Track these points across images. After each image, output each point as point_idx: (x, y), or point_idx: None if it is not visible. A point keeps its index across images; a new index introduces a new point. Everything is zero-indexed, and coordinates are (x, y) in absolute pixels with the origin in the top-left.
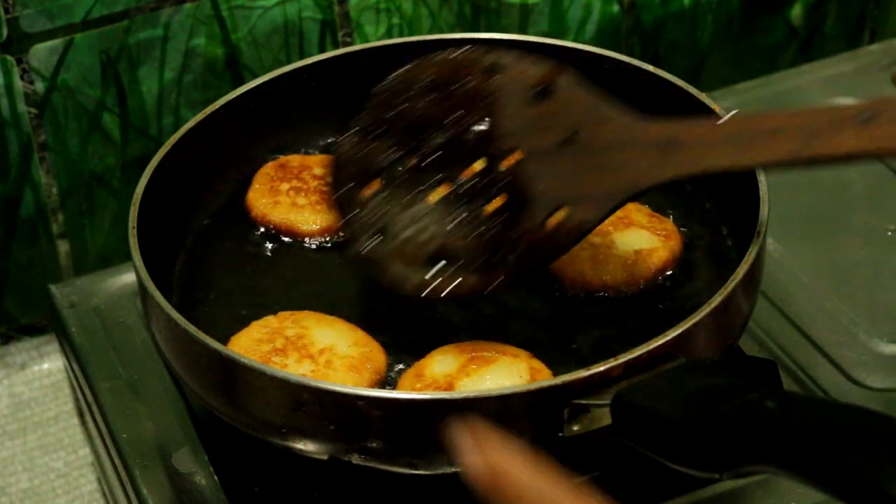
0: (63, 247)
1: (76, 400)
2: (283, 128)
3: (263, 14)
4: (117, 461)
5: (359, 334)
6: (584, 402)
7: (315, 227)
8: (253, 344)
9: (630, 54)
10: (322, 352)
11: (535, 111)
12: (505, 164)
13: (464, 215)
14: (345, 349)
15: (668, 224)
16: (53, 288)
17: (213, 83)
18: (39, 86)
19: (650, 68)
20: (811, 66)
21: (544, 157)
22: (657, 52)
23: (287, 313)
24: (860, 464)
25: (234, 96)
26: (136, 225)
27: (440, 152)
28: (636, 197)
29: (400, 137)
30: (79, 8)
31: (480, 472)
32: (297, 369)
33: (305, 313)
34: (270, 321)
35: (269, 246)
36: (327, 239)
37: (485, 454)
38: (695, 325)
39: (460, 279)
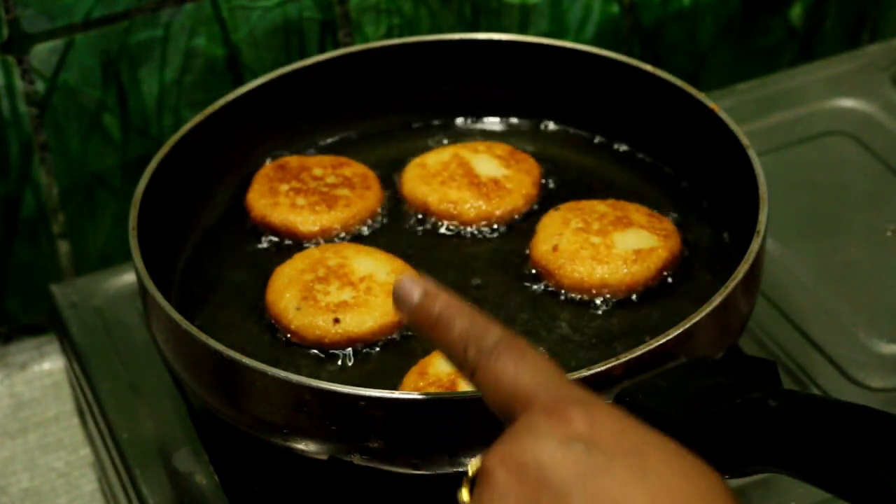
0: (63, 247)
1: (77, 400)
2: (283, 128)
3: (264, 14)
4: (118, 461)
5: (397, 263)
6: None
7: (314, 228)
8: (297, 273)
9: (630, 54)
10: (362, 279)
11: None
12: None
13: None
14: (384, 276)
15: (668, 224)
16: (54, 288)
17: (214, 83)
18: (40, 86)
19: (650, 68)
20: (811, 66)
21: None
22: (657, 52)
23: (328, 245)
24: (864, 462)
25: (234, 96)
26: (136, 225)
27: None
28: None
29: None
30: (79, 8)
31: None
32: (338, 296)
33: (345, 245)
34: (313, 252)
35: (269, 246)
36: (326, 239)
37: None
38: (695, 325)
39: None
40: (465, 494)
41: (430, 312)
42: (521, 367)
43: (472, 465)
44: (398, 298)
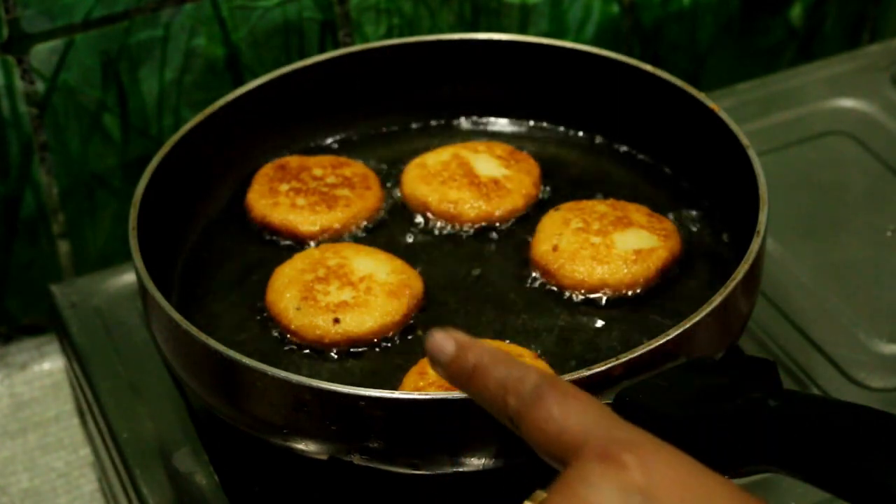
0: (63, 247)
1: (76, 400)
2: (283, 128)
3: (264, 14)
4: (118, 461)
5: (397, 262)
6: None
7: (314, 228)
8: (297, 273)
9: (630, 54)
10: (362, 279)
11: None
12: None
13: None
14: (384, 276)
15: (668, 224)
16: (54, 288)
17: (214, 83)
18: (40, 86)
19: (650, 68)
20: (811, 66)
21: None
22: (657, 52)
23: (327, 245)
24: (864, 462)
25: (234, 97)
26: (136, 226)
27: None
28: None
29: None
30: (79, 8)
31: (448, 344)
32: (338, 296)
33: (345, 245)
34: (312, 253)
35: (269, 246)
36: (326, 239)
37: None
38: (695, 325)
39: None
40: None
41: (465, 364)
42: (565, 410)
43: None
44: (432, 355)
